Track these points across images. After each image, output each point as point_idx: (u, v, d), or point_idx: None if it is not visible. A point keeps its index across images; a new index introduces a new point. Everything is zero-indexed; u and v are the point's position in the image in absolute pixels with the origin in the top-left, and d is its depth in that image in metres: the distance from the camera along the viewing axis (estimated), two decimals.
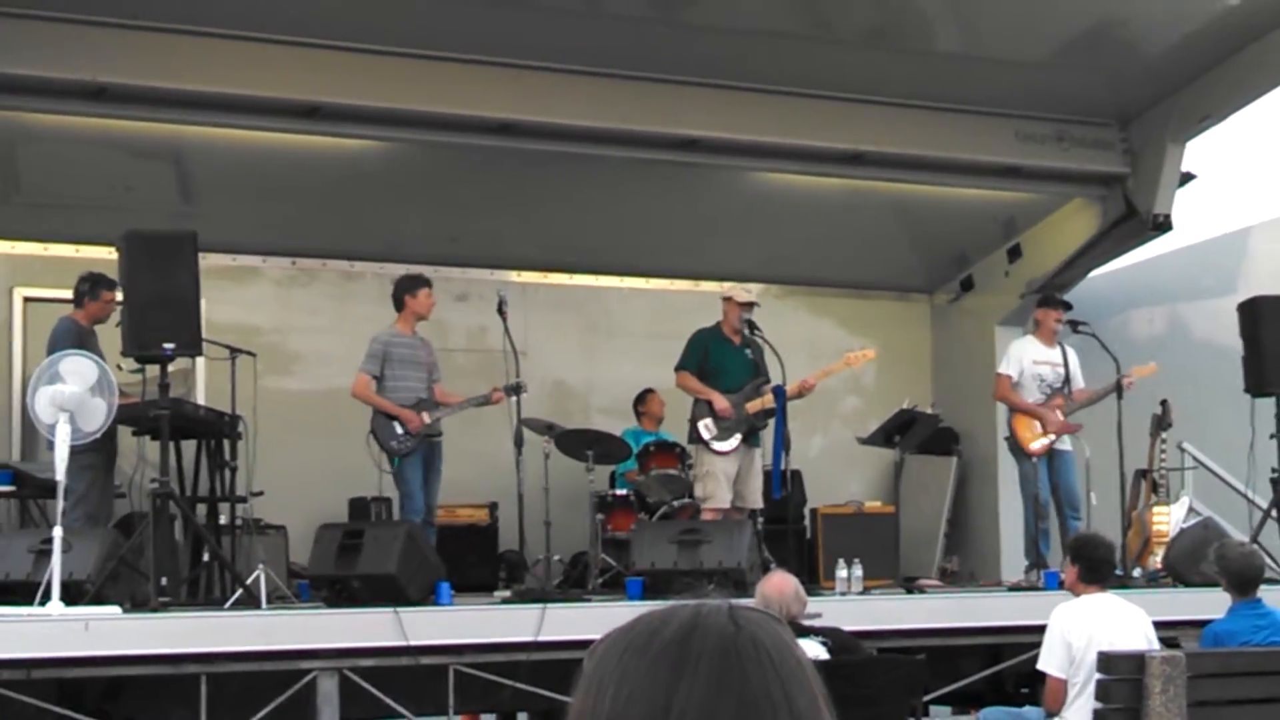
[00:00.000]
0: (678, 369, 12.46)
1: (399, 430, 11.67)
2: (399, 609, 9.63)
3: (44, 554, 9.46)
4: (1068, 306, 13.15)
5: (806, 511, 14.54)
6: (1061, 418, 12.65)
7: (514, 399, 11.70)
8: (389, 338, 11.99)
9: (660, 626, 1.74)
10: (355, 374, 11.97)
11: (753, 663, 1.71)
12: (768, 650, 1.72)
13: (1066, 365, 12.84)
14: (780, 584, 8.40)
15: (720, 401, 12.13)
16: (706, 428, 12.20)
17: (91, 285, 11.44)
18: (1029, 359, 12.93)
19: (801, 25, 12.84)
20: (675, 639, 1.72)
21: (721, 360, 12.41)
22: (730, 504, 12.14)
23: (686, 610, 1.76)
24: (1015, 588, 12.59)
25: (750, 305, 12.44)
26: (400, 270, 14.30)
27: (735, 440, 12.18)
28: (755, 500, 12.31)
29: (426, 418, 11.78)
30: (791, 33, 12.77)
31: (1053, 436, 12.64)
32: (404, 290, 12.16)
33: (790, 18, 12.74)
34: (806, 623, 8.50)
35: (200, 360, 12.32)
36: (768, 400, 12.21)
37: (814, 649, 8.15)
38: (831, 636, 8.39)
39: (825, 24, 12.97)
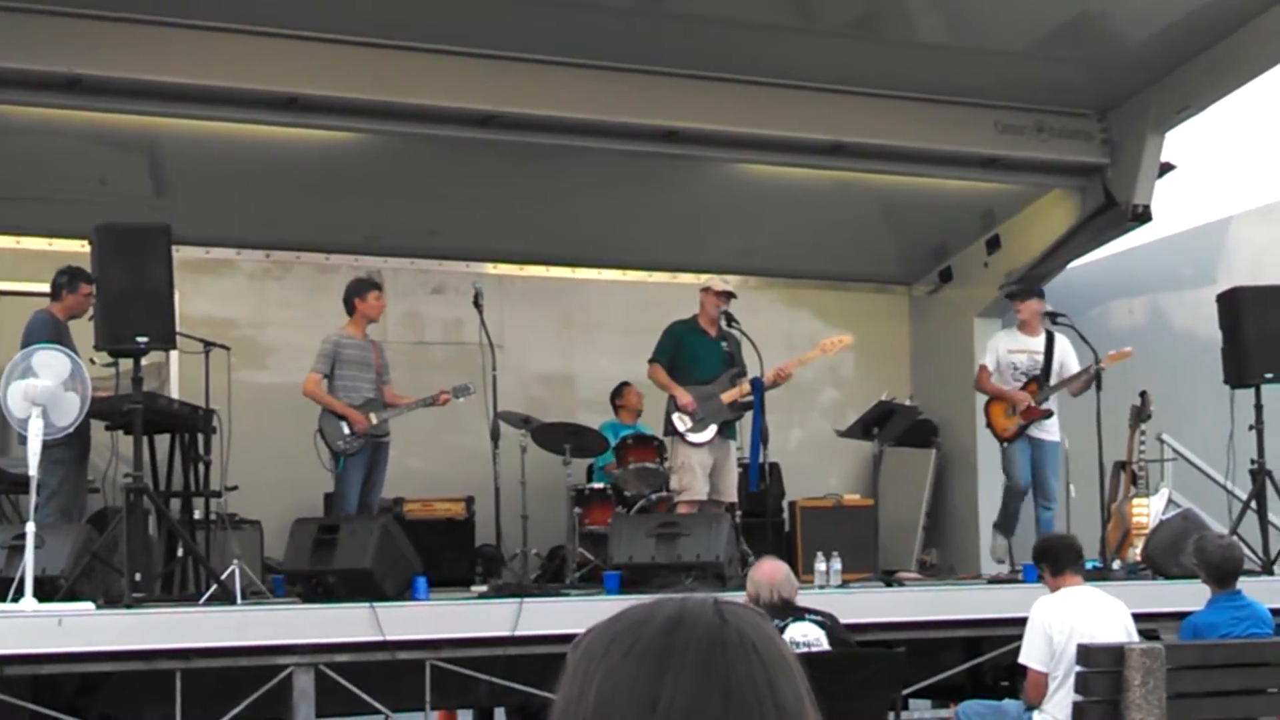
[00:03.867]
0: (650, 361, 12.49)
1: (345, 430, 11.71)
2: (375, 604, 9.59)
3: (16, 549, 9.38)
4: (1039, 294, 13.13)
5: (785, 504, 14.51)
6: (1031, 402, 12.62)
7: (490, 392, 11.64)
8: (339, 339, 12.04)
9: (646, 620, 1.73)
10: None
11: (739, 656, 1.69)
12: (753, 643, 1.71)
13: (1050, 354, 12.79)
14: (771, 570, 8.40)
15: (682, 397, 12.13)
16: (681, 420, 12.18)
17: (70, 278, 11.34)
18: (1004, 348, 12.96)
19: (782, 16, 12.82)
20: (661, 632, 1.71)
21: (696, 352, 12.40)
22: (706, 496, 12.11)
23: (672, 604, 1.75)
24: (995, 580, 12.58)
25: (727, 296, 12.42)
26: (377, 263, 14.31)
27: (710, 432, 12.16)
28: (730, 494, 12.28)
29: (374, 419, 11.79)
30: (772, 23, 12.74)
31: (1022, 420, 12.63)
32: (354, 293, 12.18)
33: (771, 8, 12.71)
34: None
35: (174, 354, 12.22)
36: (744, 390, 12.18)
37: (814, 631, 8.13)
38: (826, 617, 8.38)
39: (806, 14, 12.95)
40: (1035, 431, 12.70)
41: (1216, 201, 22.25)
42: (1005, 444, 12.77)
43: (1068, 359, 12.85)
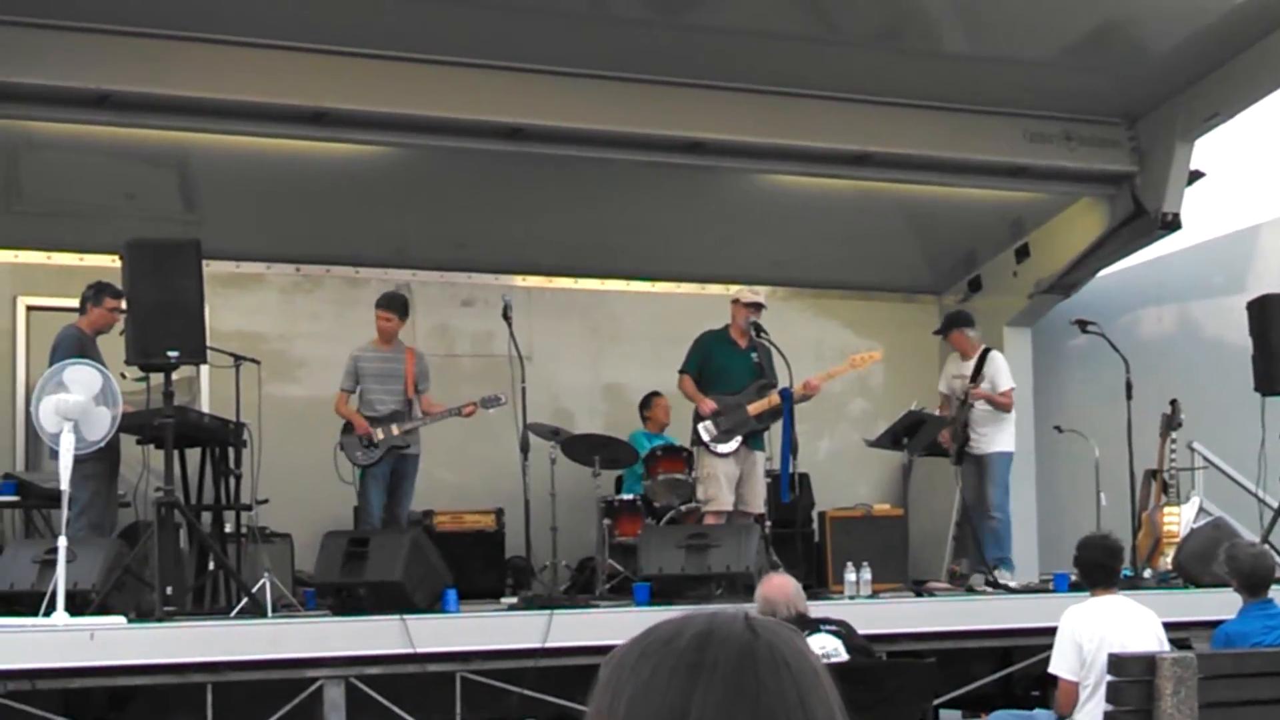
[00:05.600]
0: (680, 372, 12.55)
1: (364, 443, 11.76)
2: (405, 616, 9.60)
3: (48, 564, 9.42)
4: (958, 324, 13.54)
5: (814, 515, 14.49)
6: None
7: (520, 404, 11.66)
8: (359, 353, 12.30)
9: (676, 634, 1.73)
10: None
11: (769, 670, 1.70)
12: (784, 657, 1.71)
13: (977, 373, 13.18)
14: (782, 584, 8.39)
15: (706, 406, 12.18)
16: (706, 429, 12.22)
17: (96, 292, 11.40)
18: (949, 375, 13.54)
19: (808, 26, 12.79)
20: (692, 646, 1.71)
21: (724, 363, 12.43)
22: (732, 507, 12.12)
23: (702, 617, 1.75)
24: (1025, 590, 12.54)
25: (757, 307, 12.44)
26: (406, 276, 14.37)
27: (735, 442, 12.19)
28: (757, 504, 12.29)
29: (395, 430, 11.82)
30: (798, 34, 12.72)
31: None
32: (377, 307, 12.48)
33: (796, 19, 12.68)
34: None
35: (204, 368, 12.28)
36: (772, 401, 12.18)
37: (830, 642, 8.12)
38: (840, 626, 8.38)
39: (832, 25, 12.92)
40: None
41: (1246, 209, 22.15)
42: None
43: (997, 376, 13.20)
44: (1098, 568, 8.97)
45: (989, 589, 12.28)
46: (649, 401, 14.35)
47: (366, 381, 12.09)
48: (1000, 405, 13.07)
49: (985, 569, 12.69)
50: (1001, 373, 13.20)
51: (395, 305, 12.48)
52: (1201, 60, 13.48)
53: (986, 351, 13.30)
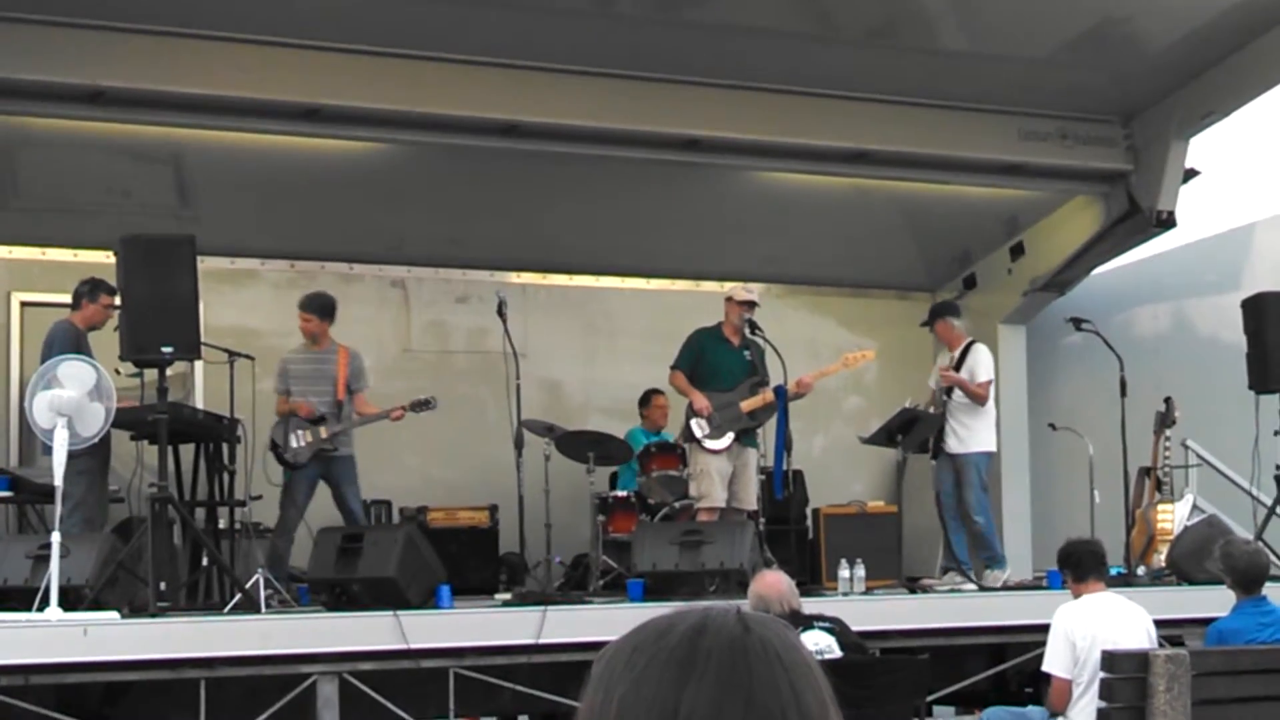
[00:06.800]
0: (671, 368, 12.55)
1: (293, 443, 11.67)
2: (399, 612, 9.59)
3: (42, 559, 9.42)
4: (942, 314, 13.44)
5: (808, 512, 14.50)
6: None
7: (514, 401, 11.65)
8: (289, 355, 12.14)
9: (669, 629, 1.73)
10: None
11: (761, 664, 1.69)
12: (776, 651, 1.71)
13: (961, 364, 13.10)
14: (775, 580, 8.41)
15: (699, 401, 12.19)
16: (698, 425, 12.22)
17: (91, 288, 11.38)
18: (937, 369, 13.38)
19: (804, 24, 12.79)
20: (684, 641, 1.71)
21: (717, 361, 12.43)
22: (725, 503, 12.12)
23: (695, 613, 1.75)
24: (1019, 587, 12.55)
25: (751, 305, 12.43)
26: (400, 273, 14.36)
27: (728, 439, 12.20)
28: (749, 501, 12.29)
29: (324, 433, 11.71)
30: (794, 31, 12.72)
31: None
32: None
33: (793, 16, 12.68)
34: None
35: (199, 364, 12.28)
36: (766, 398, 12.19)
37: (824, 639, 8.13)
38: (834, 623, 8.38)
39: (828, 22, 12.92)
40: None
41: (1241, 207, 22.20)
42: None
43: (977, 367, 13.04)
44: (1088, 555, 8.99)
45: (968, 589, 12.27)
46: (648, 399, 14.34)
47: (294, 384, 11.85)
48: (974, 396, 12.91)
49: (955, 566, 12.68)
50: (982, 364, 13.04)
51: (314, 306, 12.12)
52: (1197, 58, 13.48)
53: (971, 344, 13.23)
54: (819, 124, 13.52)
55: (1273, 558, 10.70)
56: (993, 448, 13.11)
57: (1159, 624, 9.00)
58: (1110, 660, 8.36)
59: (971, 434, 12.91)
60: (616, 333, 15.51)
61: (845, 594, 11.36)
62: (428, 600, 10.22)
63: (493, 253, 14.86)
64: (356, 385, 12.06)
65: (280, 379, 11.93)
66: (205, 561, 10.98)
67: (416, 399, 11.98)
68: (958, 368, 13.03)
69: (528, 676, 9.87)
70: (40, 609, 8.97)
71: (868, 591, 11.53)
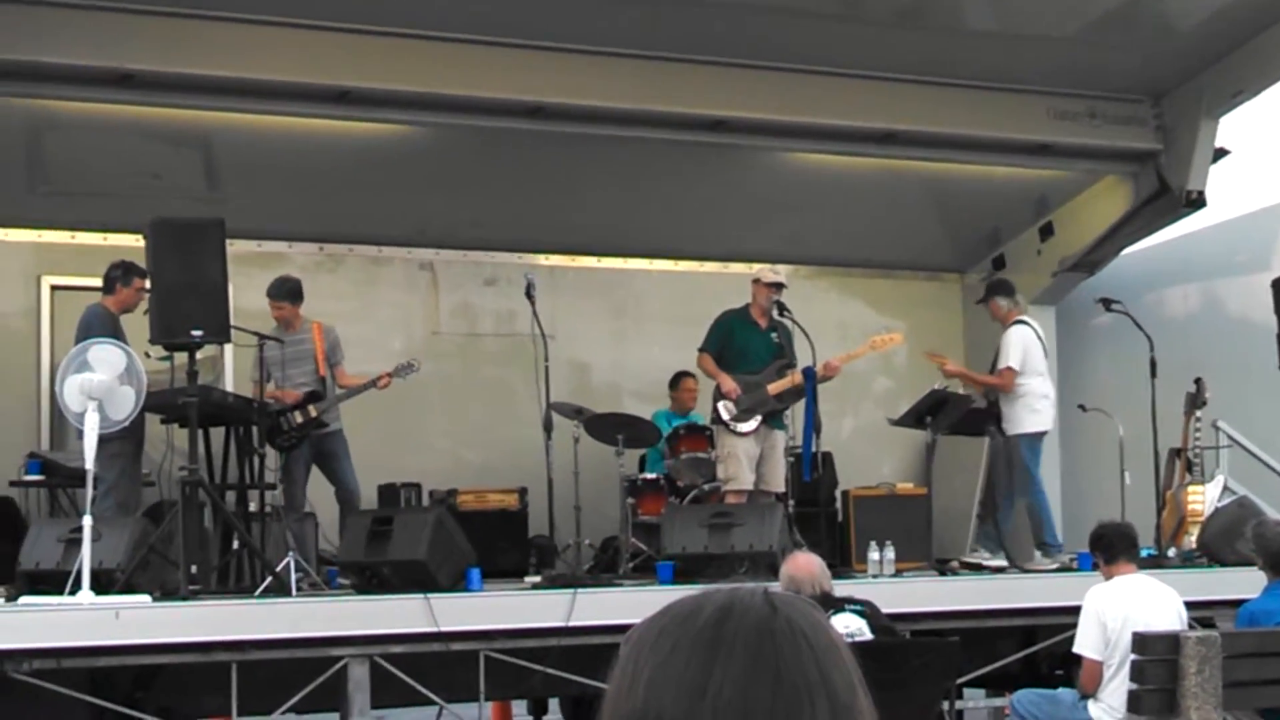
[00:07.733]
0: (699, 350, 12.54)
1: (283, 426, 11.67)
2: (429, 595, 9.61)
3: (74, 543, 9.45)
4: (994, 293, 13.36)
5: (838, 494, 14.48)
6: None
7: (543, 383, 11.64)
8: (267, 345, 11.95)
9: (696, 610, 1.73)
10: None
11: (789, 644, 1.69)
12: (804, 632, 1.70)
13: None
14: (806, 563, 8.40)
15: (726, 384, 12.18)
16: (726, 408, 12.21)
17: (124, 272, 11.39)
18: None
19: (832, 4, 12.76)
20: (711, 622, 1.71)
21: (745, 343, 12.43)
22: (753, 485, 12.12)
23: (722, 594, 1.74)
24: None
25: (778, 286, 12.41)
26: (429, 255, 14.37)
27: (755, 421, 12.19)
28: (777, 483, 12.28)
29: (314, 412, 11.71)
30: (822, 11, 12.68)
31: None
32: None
33: None
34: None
35: (228, 347, 12.28)
36: (794, 380, 12.18)
37: (855, 621, 8.12)
38: (865, 606, 8.37)
39: (856, 2, 12.89)
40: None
41: (1272, 186, 22.09)
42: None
43: (1000, 353, 13.05)
44: (1119, 537, 8.98)
45: (992, 564, 12.31)
46: (677, 381, 14.32)
47: (278, 369, 11.79)
48: (989, 386, 12.92)
49: (988, 545, 12.68)
50: (1004, 351, 12.95)
51: (284, 293, 12.15)
52: (1226, 37, 13.42)
53: (1012, 325, 13.10)
54: (846, 104, 13.49)
55: None
56: (1031, 429, 12.92)
57: (1190, 606, 8.98)
58: (1141, 642, 8.34)
59: (1009, 418, 12.87)
60: (644, 315, 15.49)
61: (875, 576, 11.36)
62: (458, 583, 10.23)
63: (520, 235, 14.86)
64: (335, 358, 12.08)
65: (255, 366, 11.78)
66: (236, 545, 11.01)
67: (400, 364, 11.98)
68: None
69: (558, 659, 9.88)
70: (72, 593, 9.00)
71: (897, 574, 11.52)
